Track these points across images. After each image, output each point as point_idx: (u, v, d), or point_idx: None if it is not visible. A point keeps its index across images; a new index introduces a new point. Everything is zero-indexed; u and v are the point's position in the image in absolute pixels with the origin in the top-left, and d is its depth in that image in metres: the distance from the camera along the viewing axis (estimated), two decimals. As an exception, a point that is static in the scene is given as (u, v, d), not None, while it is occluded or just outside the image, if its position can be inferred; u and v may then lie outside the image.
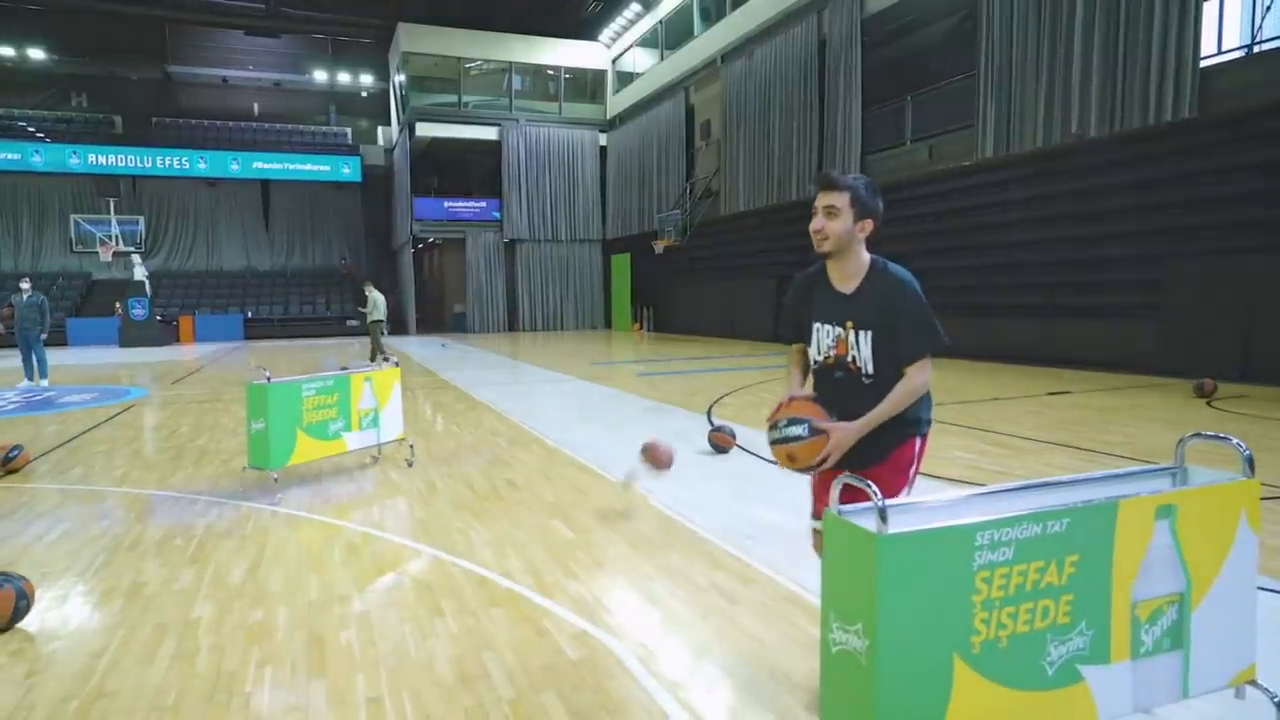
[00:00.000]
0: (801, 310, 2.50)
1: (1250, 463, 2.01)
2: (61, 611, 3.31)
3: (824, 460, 2.30)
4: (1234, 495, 1.99)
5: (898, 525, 1.68)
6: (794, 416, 2.32)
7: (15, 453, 5.97)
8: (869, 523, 1.69)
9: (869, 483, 1.70)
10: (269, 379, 5.08)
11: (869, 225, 2.35)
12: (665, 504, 4.80)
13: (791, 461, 2.35)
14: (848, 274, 2.39)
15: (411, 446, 6.23)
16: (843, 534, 1.74)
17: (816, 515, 2.59)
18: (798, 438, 2.30)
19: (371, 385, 5.79)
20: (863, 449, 2.31)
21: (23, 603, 3.09)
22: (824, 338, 2.41)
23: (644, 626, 3.07)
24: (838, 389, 2.39)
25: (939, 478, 5.29)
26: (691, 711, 2.43)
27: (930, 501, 1.90)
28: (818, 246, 2.38)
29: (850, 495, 2.43)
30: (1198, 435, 2.15)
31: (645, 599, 3.34)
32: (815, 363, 2.46)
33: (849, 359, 2.36)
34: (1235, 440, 2.04)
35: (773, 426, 2.37)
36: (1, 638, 3.03)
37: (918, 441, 2.42)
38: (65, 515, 4.81)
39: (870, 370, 2.33)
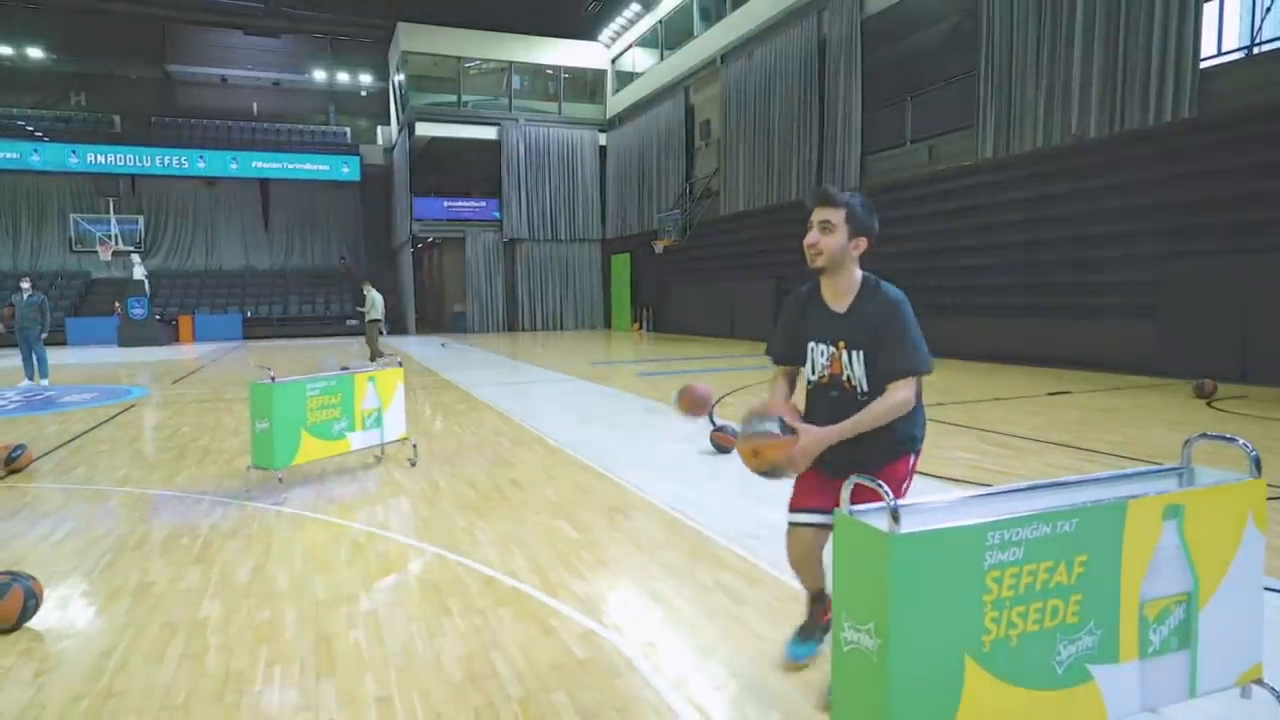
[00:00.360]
0: (796, 330, 2.50)
1: (1257, 463, 2.02)
2: (69, 611, 3.32)
3: (788, 463, 2.29)
4: (1241, 495, 2.00)
5: (907, 525, 1.69)
6: (768, 414, 2.32)
7: (18, 452, 5.97)
8: (880, 522, 1.70)
9: (880, 483, 1.71)
10: (273, 379, 5.08)
11: (863, 243, 2.37)
12: (669, 503, 4.82)
13: (755, 457, 2.31)
14: (840, 292, 2.41)
15: (414, 446, 6.24)
16: (854, 534, 1.75)
17: (795, 507, 2.58)
18: (766, 433, 2.28)
19: (375, 385, 5.80)
20: (855, 463, 2.31)
21: (31, 602, 3.09)
22: (818, 357, 2.43)
23: (651, 626, 3.08)
24: (834, 407, 2.40)
25: (942, 478, 5.31)
26: (701, 711, 2.45)
27: (938, 502, 1.90)
28: (811, 261, 2.39)
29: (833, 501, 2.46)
30: (1204, 436, 2.16)
31: (651, 598, 3.35)
32: (810, 381, 2.48)
33: (844, 378, 2.38)
34: (1242, 441, 2.06)
35: (745, 423, 2.36)
36: (10, 637, 3.04)
37: (911, 458, 2.44)
38: (70, 515, 4.82)
39: (865, 388, 2.36)
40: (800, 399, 2.59)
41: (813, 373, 2.46)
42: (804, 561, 2.59)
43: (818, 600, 2.70)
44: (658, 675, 2.68)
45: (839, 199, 2.34)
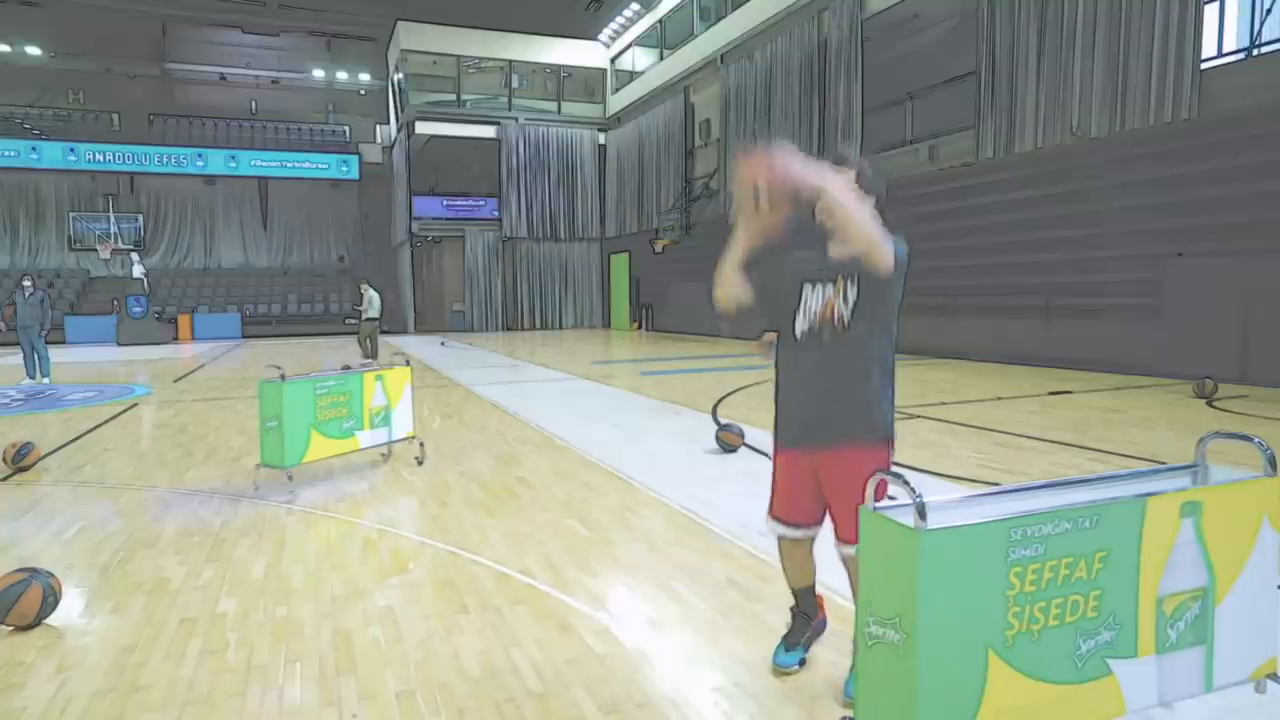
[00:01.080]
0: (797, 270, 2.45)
1: (1272, 461, 2.05)
2: (87, 607, 3.33)
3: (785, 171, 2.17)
4: (1257, 493, 2.04)
5: (931, 522, 1.72)
6: None
7: (26, 450, 5.98)
8: (907, 518, 1.73)
9: (905, 478, 1.74)
10: (284, 377, 5.10)
11: (870, 203, 2.37)
12: (678, 502, 4.85)
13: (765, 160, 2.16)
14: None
15: (421, 444, 6.26)
16: (881, 530, 1.78)
17: (774, 516, 2.58)
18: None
19: (383, 384, 5.83)
20: (835, 430, 2.37)
21: (50, 599, 3.11)
22: (813, 300, 2.40)
23: (667, 622, 3.11)
24: (823, 353, 2.37)
25: (950, 477, 5.34)
26: (721, 706, 2.47)
27: (957, 499, 1.93)
28: (820, 221, 2.37)
29: (811, 506, 2.50)
30: (1219, 434, 2.19)
31: (666, 595, 3.38)
32: (799, 332, 2.43)
33: (835, 318, 2.35)
34: (1257, 439, 2.09)
35: None
36: (30, 634, 3.05)
37: (889, 452, 2.44)
38: (80, 512, 4.83)
39: (848, 318, 2.33)
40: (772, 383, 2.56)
41: (803, 322, 2.41)
42: (791, 556, 2.65)
43: (804, 599, 2.71)
44: (677, 670, 2.71)
45: (850, 160, 2.41)
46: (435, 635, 2.99)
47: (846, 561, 2.46)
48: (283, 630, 3.06)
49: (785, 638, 2.73)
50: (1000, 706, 1.78)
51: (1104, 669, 1.89)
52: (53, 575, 3.18)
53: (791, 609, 2.75)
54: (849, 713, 2.38)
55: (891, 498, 1.91)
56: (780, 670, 2.66)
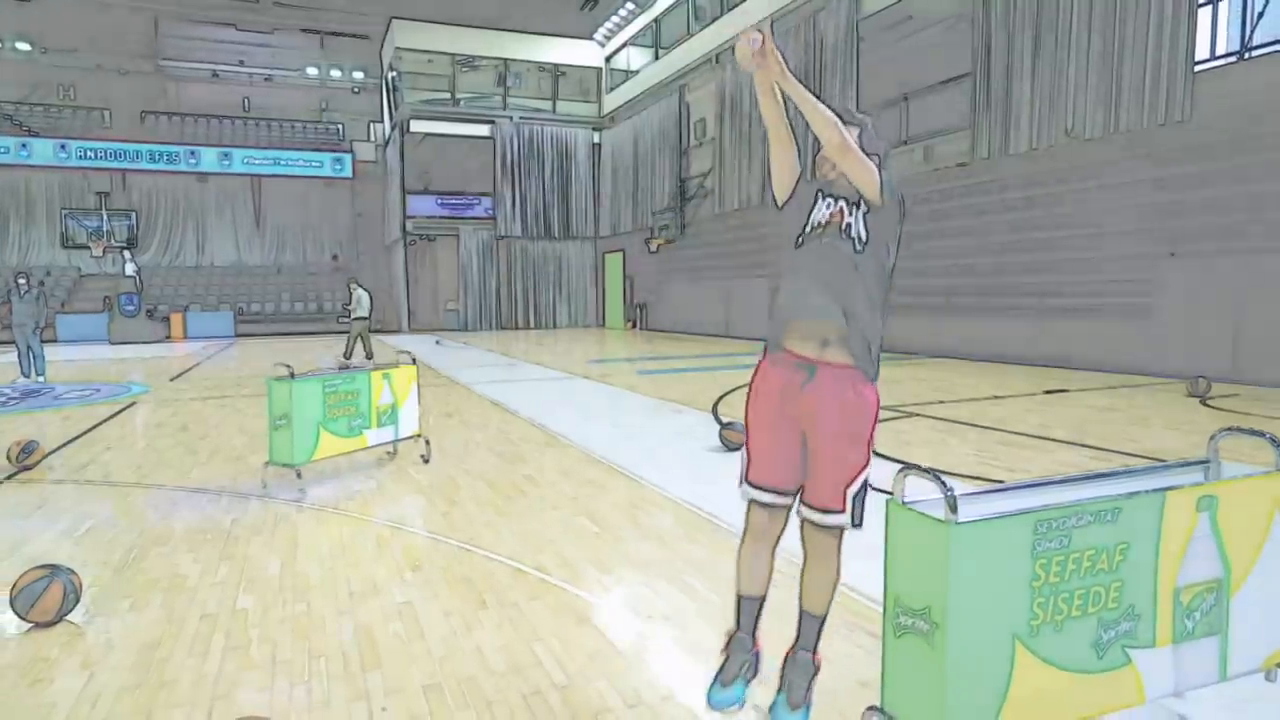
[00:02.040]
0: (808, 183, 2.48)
1: (1285, 457, 2.11)
2: (106, 605, 3.35)
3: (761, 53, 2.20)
4: (1270, 488, 2.10)
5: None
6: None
7: (31, 448, 5.96)
8: (937, 511, 1.77)
9: (938, 475, 1.79)
10: (292, 375, 5.12)
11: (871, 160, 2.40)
12: (684, 499, 4.89)
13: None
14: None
15: (427, 442, 6.28)
16: (910, 522, 1.83)
17: (748, 479, 2.38)
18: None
19: (389, 382, 5.85)
20: (845, 328, 2.24)
21: (71, 595, 3.13)
22: (823, 207, 2.39)
23: (682, 616, 3.15)
24: (828, 255, 2.30)
25: (952, 474, 5.40)
26: (743, 699, 2.51)
27: (977, 493, 1.98)
28: (822, 174, 2.45)
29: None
30: (1233, 430, 2.25)
31: (680, 590, 3.42)
32: (807, 230, 2.40)
33: (844, 225, 2.33)
34: (1269, 435, 2.15)
35: None
36: (51, 631, 3.07)
37: (877, 394, 2.31)
38: (89, 511, 4.84)
39: (864, 238, 2.29)
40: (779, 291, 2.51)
41: (809, 226, 2.38)
42: (756, 542, 2.38)
43: (747, 614, 2.40)
44: (696, 663, 2.75)
45: (855, 118, 2.43)
46: (456, 631, 3.03)
47: (808, 540, 2.31)
48: (304, 626, 3.09)
49: (720, 673, 2.34)
50: (1025, 694, 1.83)
51: (1124, 658, 1.95)
52: (73, 572, 3.20)
53: (728, 635, 2.40)
54: (873, 702, 2.44)
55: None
56: (717, 709, 2.30)
